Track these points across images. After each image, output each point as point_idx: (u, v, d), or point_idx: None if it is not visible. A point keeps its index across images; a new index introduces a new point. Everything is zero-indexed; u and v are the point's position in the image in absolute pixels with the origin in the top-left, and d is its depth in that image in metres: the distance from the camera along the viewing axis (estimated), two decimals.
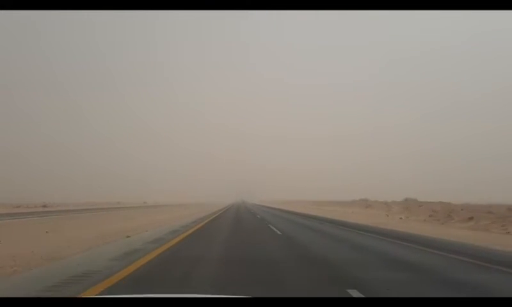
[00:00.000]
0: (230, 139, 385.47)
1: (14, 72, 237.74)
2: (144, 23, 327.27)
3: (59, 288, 5.39)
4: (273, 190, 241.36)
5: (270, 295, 4.91)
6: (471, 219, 22.54)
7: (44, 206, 54.98)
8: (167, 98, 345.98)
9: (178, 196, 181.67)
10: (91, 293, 5.09)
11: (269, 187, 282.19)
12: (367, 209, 46.52)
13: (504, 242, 13.04)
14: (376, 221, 25.61)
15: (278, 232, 16.31)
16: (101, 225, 19.11)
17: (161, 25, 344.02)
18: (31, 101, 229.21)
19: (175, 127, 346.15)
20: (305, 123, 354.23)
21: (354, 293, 5.36)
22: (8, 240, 11.29)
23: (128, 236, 13.03)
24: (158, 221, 22.81)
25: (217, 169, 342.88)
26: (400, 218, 29.90)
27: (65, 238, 11.97)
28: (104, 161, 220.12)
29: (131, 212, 40.33)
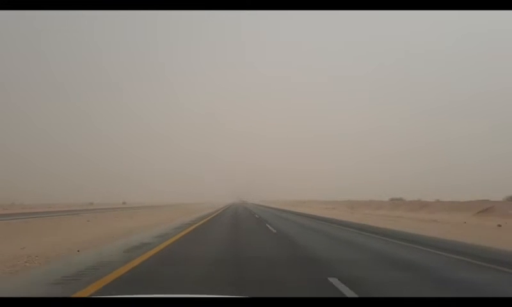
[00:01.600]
0: (230, 138, 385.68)
1: (13, 72, 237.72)
2: (144, 24, 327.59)
3: None
4: (275, 189, 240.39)
5: (269, 295, 4.89)
6: None
7: None
8: (165, 97, 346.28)
9: (177, 196, 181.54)
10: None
11: (271, 186, 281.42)
12: (497, 217, 25.61)
13: None
14: None
15: None
16: None
17: (161, 26, 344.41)
18: (31, 101, 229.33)
19: (174, 127, 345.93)
20: (307, 122, 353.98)
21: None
22: None
23: None
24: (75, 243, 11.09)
25: (217, 168, 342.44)
26: None
27: None
28: (100, 160, 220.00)
29: (78, 219, 26.61)
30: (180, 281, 6.45)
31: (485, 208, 28.41)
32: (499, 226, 22.30)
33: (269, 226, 20.71)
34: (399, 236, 15.61)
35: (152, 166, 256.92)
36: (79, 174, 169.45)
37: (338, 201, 75.66)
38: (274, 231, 17.49)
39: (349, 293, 5.43)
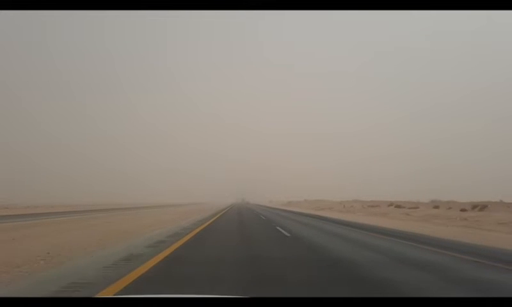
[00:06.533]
0: (232, 137, 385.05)
1: (17, 72, 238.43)
2: (146, 23, 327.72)
3: None
4: (279, 189, 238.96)
5: (270, 295, 4.91)
6: None
7: None
8: (165, 96, 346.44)
9: (178, 196, 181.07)
10: None
11: (275, 186, 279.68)
12: None
13: None
14: None
15: None
16: None
17: (162, 25, 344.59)
18: (34, 101, 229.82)
19: (175, 126, 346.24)
20: (310, 121, 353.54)
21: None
22: None
23: None
24: None
25: (219, 167, 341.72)
26: None
27: None
28: (103, 159, 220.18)
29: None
30: None
31: None
32: None
33: None
34: None
35: (153, 166, 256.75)
36: (79, 174, 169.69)
37: (360, 201, 66.65)
38: None
39: None
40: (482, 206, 34.93)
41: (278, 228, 18.41)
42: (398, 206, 49.11)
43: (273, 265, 7.91)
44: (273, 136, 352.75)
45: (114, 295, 4.82)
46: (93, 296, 4.73)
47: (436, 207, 40.71)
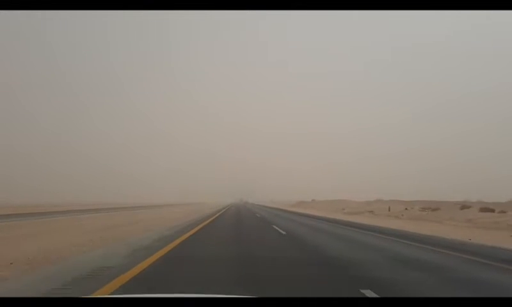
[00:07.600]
0: (232, 136, 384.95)
1: (20, 73, 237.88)
2: (146, 23, 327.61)
3: None
4: (280, 189, 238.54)
5: (270, 295, 4.90)
6: None
7: None
8: (165, 96, 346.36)
9: (177, 196, 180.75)
10: None
11: (276, 186, 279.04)
12: None
13: None
14: None
15: None
16: None
17: (163, 26, 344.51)
18: (36, 101, 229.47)
19: (174, 126, 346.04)
20: (310, 120, 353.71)
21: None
22: None
23: None
24: None
25: (219, 167, 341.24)
26: None
27: None
28: (106, 160, 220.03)
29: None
30: None
31: None
32: None
33: None
34: None
35: (155, 166, 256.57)
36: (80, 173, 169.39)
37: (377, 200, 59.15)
38: None
39: None
40: None
41: None
42: (488, 210, 29.83)
43: None
44: (273, 136, 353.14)
45: (111, 294, 4.80)
46: (90, 296, 4.70)
47: None
